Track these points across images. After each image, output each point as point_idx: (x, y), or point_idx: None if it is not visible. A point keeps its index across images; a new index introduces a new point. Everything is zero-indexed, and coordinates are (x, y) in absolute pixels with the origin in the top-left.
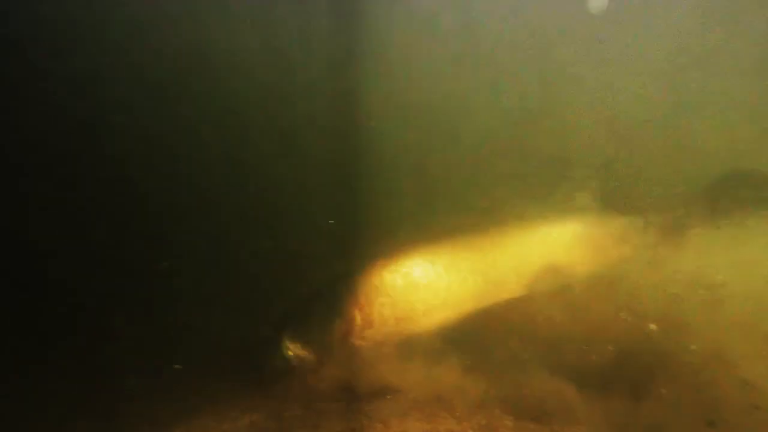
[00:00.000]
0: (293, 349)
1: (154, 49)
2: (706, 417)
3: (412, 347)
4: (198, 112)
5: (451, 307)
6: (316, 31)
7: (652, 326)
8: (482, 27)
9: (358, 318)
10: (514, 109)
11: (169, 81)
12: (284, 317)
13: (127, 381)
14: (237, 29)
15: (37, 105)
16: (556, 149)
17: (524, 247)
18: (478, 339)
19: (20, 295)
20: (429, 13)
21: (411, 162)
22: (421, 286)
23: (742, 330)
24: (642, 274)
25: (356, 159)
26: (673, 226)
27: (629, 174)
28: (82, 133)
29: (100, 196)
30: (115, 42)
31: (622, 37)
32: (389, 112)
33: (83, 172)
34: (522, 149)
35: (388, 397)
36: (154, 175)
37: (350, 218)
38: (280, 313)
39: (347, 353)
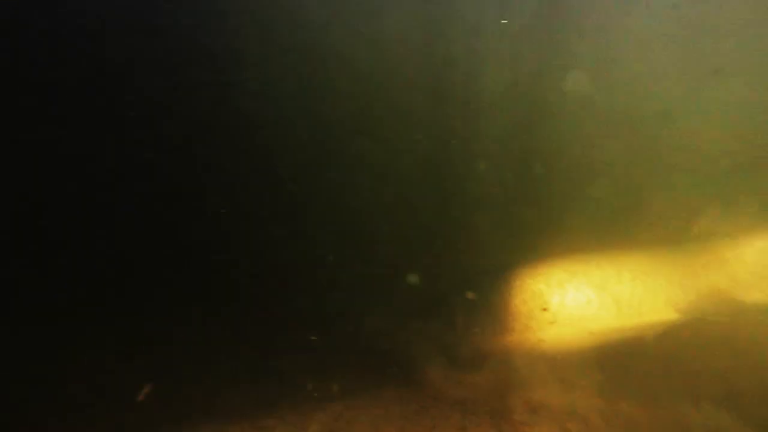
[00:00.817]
0: (444, 344)
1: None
2: None
3: (564, 362)
4: (389, 115)
5: (608, 326)
6: (512, 33)
7: None
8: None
9: (516, 321)
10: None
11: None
12: (442, 312)
13: (292, 358)
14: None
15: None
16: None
17: (694, 267)
18: (632, 363)
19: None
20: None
21: (599, 169)
22: (580, 300)
23: None
24: None
25: (548, 161)
26: None
27: None
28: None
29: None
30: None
31: None
32: (586, 116)
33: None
34: (715, 162)
35: (538, 412)
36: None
37: (520, 221)
38: (437, 309)
39: (500, 356)
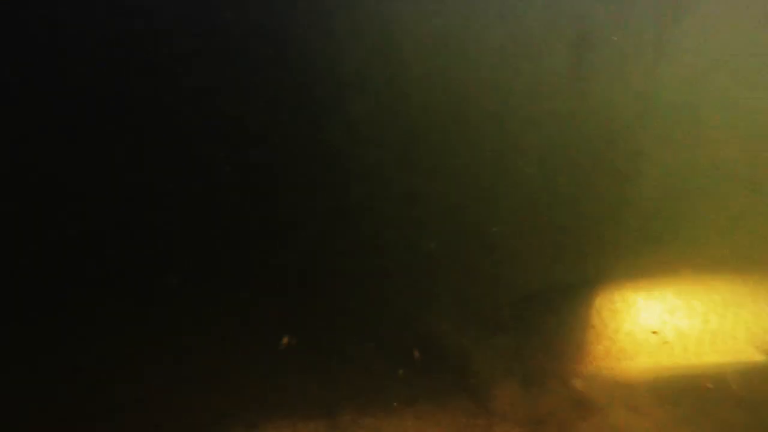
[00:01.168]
0: (519, 361)
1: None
2: None
3: (639, 391)
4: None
5: (683, 359)
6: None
7: None
8: None
9: (587, 344)
10: None
11: None
12: (518, 328)
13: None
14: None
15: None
16: None
17: None
18: (712, 401)
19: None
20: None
21: (666, 174)
22: (651, 326)
23: None
24: None
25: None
26: None
27: None
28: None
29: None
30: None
31: None
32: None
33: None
34: None
35: None
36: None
37: (582, 234)
38: (514, 323)
39: (571, 379)
